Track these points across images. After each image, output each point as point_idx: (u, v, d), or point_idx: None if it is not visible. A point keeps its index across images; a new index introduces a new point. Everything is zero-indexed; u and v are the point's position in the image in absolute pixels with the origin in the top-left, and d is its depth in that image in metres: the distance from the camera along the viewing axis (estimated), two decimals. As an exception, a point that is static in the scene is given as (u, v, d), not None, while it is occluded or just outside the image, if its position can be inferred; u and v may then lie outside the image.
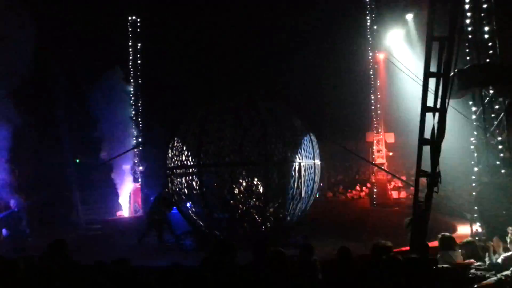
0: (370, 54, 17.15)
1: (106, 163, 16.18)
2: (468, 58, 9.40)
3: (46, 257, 5.19)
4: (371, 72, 17.22)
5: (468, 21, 9.29)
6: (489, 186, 8.91)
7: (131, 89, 17.72)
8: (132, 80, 17.76)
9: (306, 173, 11.17)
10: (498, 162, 8.97)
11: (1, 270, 4.40)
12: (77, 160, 17.82)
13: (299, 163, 10.98)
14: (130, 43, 17.75)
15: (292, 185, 10.85)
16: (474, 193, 9.34)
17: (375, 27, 16.89)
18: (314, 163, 11.57)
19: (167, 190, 12.06)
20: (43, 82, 14.74)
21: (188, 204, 11.33)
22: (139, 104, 17.88)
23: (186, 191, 11.22)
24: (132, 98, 17.73)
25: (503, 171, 8.84)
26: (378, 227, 12.60)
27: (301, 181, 10.97)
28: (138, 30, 17.80)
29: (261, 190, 11.32)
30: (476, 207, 9.21)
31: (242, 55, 16.71)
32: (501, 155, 8.92)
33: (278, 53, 17.22)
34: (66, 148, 15.83)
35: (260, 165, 11.15)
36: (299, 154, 11.05)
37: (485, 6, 9.00)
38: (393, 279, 3.73)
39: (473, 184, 9.38)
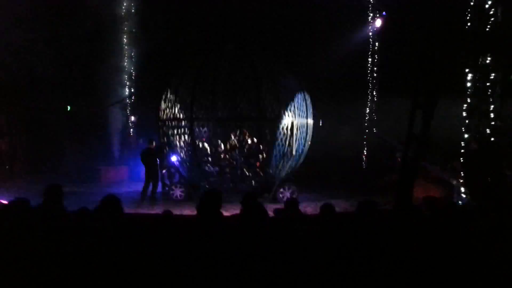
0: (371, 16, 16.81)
1: (98, 112, 16.09)
2: (468, 24, 9.30)
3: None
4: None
5: (471, -14, 9.12)
6: (478, 154, 9.04)
7: (124, 38, 17.35)
8: (125, 29, 17.35)
9: (298, 132, 11.20)
10: (488, 130, 9.06)
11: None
12: (68, 108, 17.63)
13: (292, 121, 10.98)
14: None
15: (284, 143, 10.90)
16: (461, 159, 9.49)
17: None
18: (307, 122, 11.57)
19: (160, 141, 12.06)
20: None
21: (178, 156, 11.37)
22: (132, 54, 17.55)
23: (177, 144, 11.26)
24: (125, 47, 17.40)
25: (492, 139, 8.95)
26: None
27: (292, 139, 11.01)
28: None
29: (252, 146, 11.41)
30: (462, 174, 9.38)
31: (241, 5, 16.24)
32: (493, 123, 9.00)
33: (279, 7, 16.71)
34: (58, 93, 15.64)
35: (253, 121, 11.17)
36: (292, 112, 11.02)
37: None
38: (378, 234, 3.83)
39: (462, 151, 9.50)
